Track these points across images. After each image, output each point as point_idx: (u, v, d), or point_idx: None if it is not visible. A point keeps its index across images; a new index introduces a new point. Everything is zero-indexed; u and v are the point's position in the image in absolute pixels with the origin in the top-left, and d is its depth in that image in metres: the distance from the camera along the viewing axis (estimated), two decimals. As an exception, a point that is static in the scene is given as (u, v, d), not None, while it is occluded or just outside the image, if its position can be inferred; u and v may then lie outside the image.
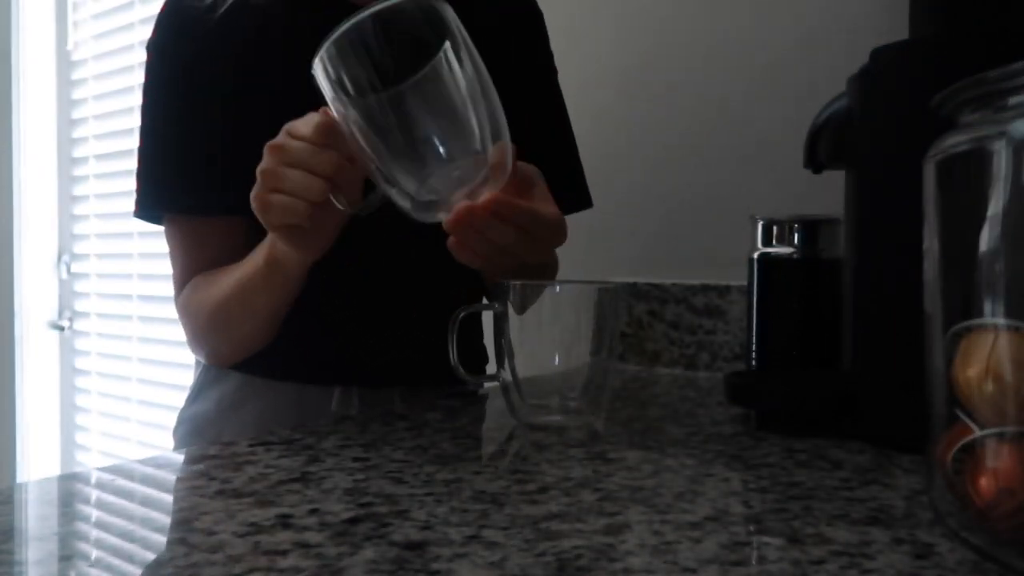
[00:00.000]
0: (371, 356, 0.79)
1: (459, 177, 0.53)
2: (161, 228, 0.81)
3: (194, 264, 0.78)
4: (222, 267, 0.75)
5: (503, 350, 0.63)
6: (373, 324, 0.79)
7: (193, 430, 0.83)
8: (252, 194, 0.59)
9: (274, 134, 0.70)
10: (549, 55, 0.91)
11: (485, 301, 0.83)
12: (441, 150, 0.53)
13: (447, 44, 0.52)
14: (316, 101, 0.77)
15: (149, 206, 0.78)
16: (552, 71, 0.91)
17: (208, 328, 0.77)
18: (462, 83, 0.52)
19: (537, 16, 0.90)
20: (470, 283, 0.82)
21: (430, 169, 0.53)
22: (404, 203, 0.54)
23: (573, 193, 0.88)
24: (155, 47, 0.77)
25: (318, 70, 0.53)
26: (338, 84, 0.53)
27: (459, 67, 0.52)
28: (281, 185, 0.57)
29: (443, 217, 0.54)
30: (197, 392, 0.85)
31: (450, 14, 0.53)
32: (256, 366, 0.79)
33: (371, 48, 0.52)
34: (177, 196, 0.76)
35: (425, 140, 0.53)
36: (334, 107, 0.54)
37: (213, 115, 0.75)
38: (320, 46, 0.52)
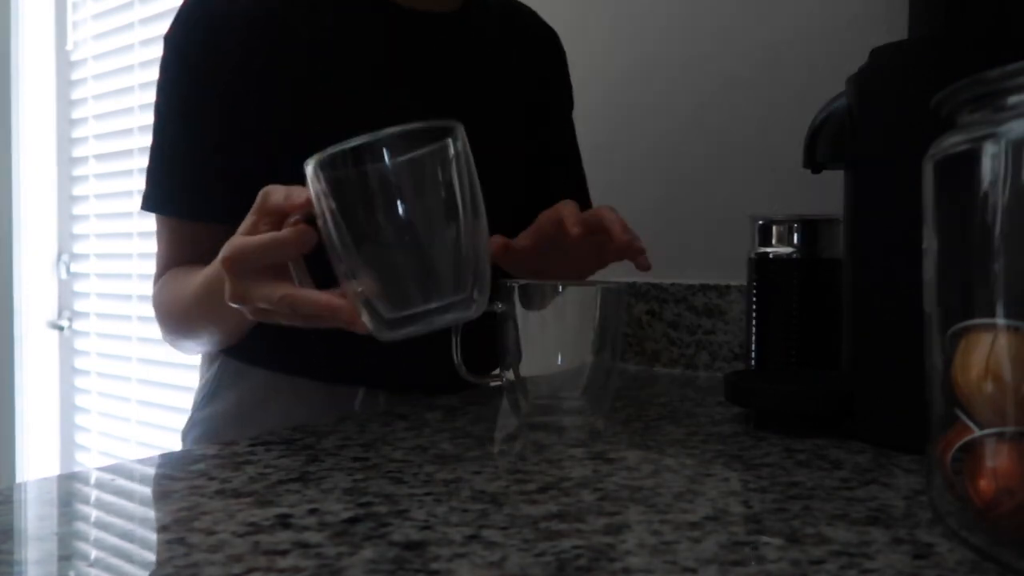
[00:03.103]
0: (397, 358, 0.79)
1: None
2: None
3: (174, 262, 0.78)
4: (190, 269, 0.74)
5: (507, 350, 0.63)
6: None
7: (210, 431, 0.81)
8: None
9: (282, 142, 0.69)
10: (570, 87, 0.95)
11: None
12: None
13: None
14: (326, 108, 0.76)
15: (151, 205, 0.78)
16: (571, 103, 0.95)
17: (170, 329, 0.77)
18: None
19: (559, 47, 0.94)
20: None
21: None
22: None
23: None
24: (171, 42, 0.76)
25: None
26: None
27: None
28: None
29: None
30: (213, 392, 0.82)
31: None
32: (283, 362, 0.78)
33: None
34: (176, 199, 0.76)
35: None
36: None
37: (223, 119, 0.74)
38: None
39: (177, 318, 0.74)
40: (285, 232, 0.52)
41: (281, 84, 0.74)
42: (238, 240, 0.55)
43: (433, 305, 0.51)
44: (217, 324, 0.71)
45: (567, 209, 0.68)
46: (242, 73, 0.74)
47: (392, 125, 0.51)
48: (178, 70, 0.75)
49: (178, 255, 0.77)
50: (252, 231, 0.55)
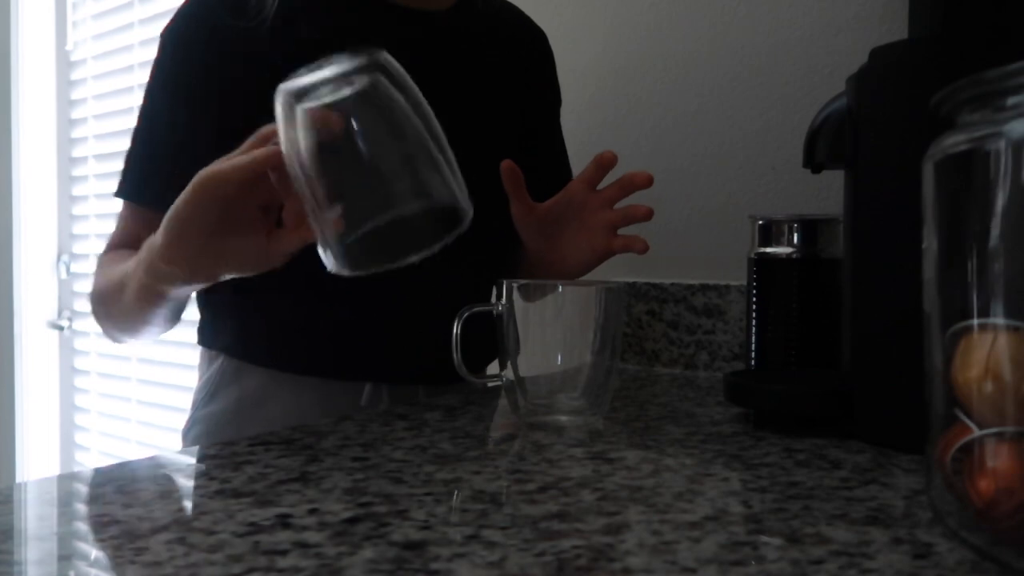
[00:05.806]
0: (402, 353, 0.79)
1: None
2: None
3: (122, 244, 0.77)
4: (122, 253, 0.72)
5: (506, 349, 0.63)
6: (405, 321, 0.78)
7: (210, 430, 0.81)
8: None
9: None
10: (557, 88, 0.95)
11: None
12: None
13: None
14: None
15: (124, 192, 0.78)
16: (558, 102, 0.95)
17: (95, 311, 0.76)
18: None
19: (547, 48, 0.94)
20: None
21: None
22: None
23: None
24: (173, 37, 0.75)
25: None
26: None
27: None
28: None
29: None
30: (213, 391, 0.82)
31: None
32: (282, 360, 0.78)
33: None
34: (150, 190, 0.76)
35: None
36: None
37: (225, 116, 0.73)
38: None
39: (104, 301, 0.73)
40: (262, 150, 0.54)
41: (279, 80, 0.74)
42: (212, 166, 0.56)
43: (392, 214, 0.51)
44: (148, 311, 0.69)
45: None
46: (252, 69, 0.73)
47: None
48: (181, 63, 0.75)
49: (131, 240, 0.74)
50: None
